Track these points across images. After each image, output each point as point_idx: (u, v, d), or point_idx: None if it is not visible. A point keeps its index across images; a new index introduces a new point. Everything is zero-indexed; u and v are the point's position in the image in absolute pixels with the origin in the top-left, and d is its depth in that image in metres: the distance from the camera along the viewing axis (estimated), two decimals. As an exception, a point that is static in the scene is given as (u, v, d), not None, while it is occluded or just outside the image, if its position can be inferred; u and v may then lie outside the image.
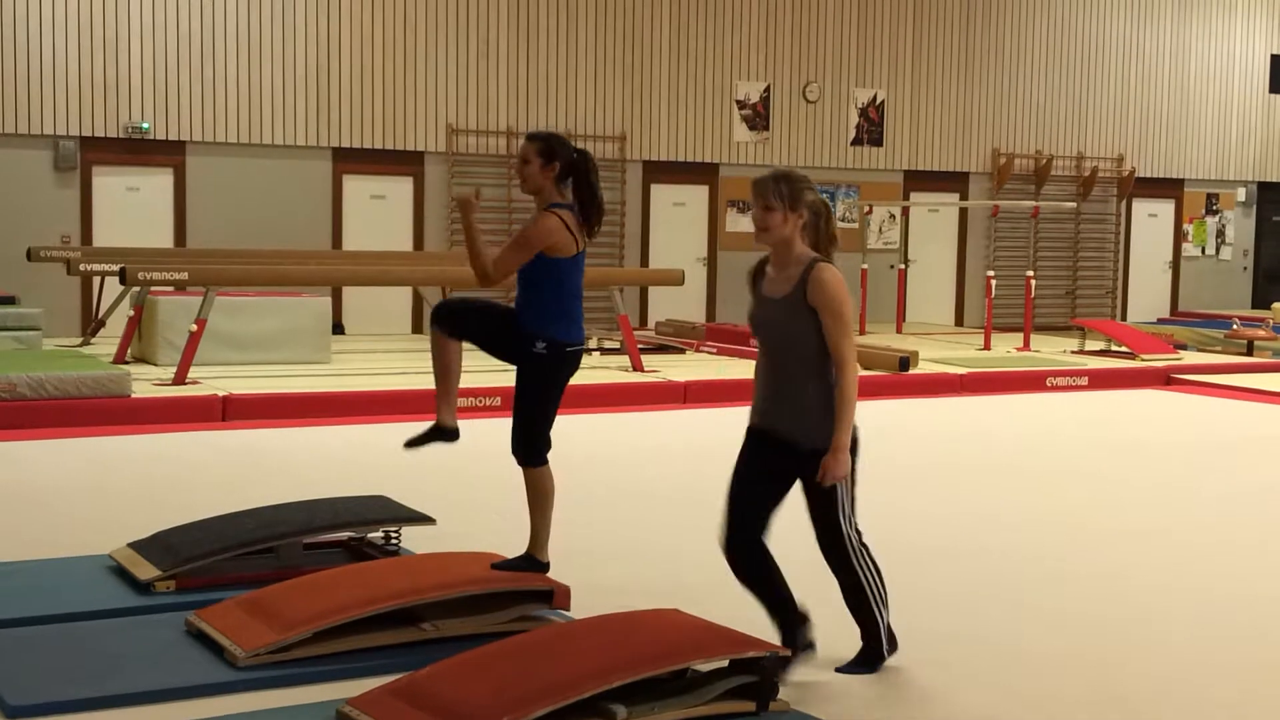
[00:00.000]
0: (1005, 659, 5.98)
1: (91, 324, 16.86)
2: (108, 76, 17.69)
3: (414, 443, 6.44)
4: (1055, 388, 16.05)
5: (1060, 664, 5.90)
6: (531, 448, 6.21)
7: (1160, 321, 22.50)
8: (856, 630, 5.67)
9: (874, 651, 5.66)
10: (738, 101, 21.25)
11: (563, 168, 6.20)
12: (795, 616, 5.55)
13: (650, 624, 5.34)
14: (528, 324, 6.15)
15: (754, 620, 5.55)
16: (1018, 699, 5.47)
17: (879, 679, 5.60)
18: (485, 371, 9.85)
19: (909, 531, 8.33)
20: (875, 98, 22.26)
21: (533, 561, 6.22)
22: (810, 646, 5.56)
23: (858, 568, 5.57)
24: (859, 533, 5.61)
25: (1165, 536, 8.57)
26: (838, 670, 5.58)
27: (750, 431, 5.61)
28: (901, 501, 9.17)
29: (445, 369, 6.35)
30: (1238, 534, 8.71)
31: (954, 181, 23.13)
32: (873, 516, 8.61)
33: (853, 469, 5.47)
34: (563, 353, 6.16)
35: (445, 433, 6.34)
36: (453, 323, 6.28)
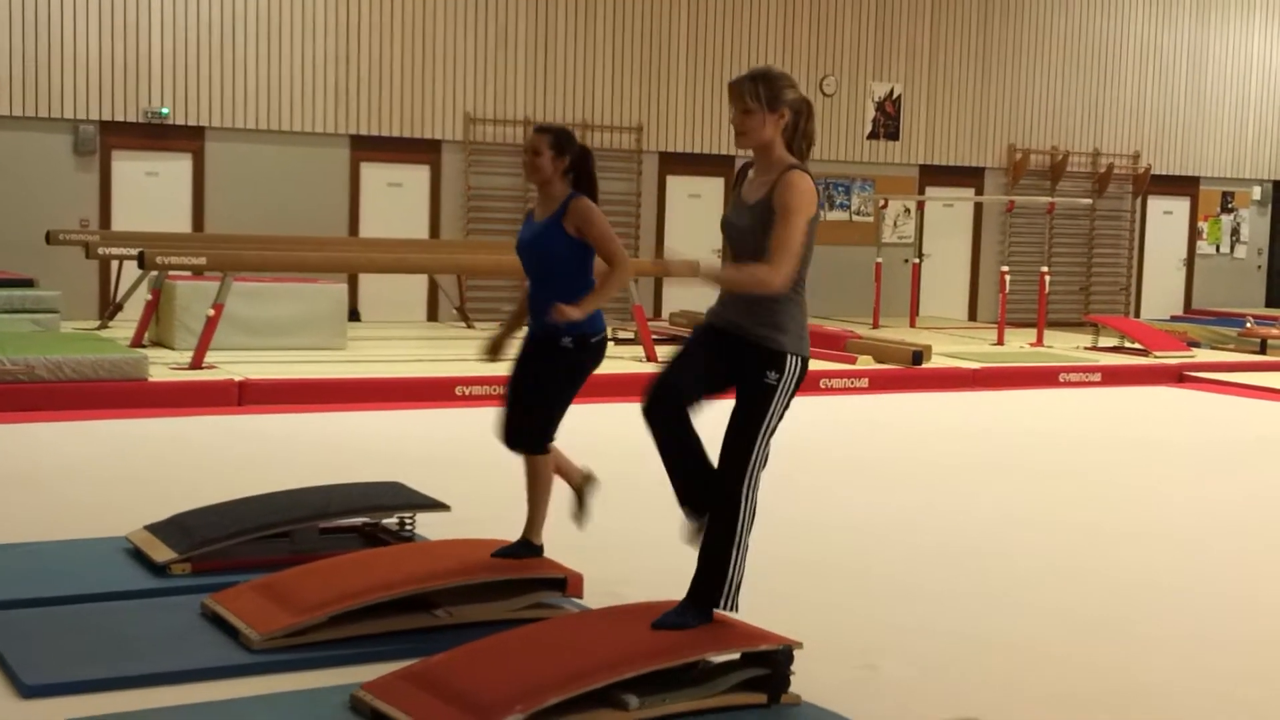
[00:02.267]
0: (1013, 657, 6.00)
1: (109, 307, 16.93)
2: (128, 61, 17.75)
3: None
4: (1068, 384, 16.05)
5: (1066, 664, 5.91)
6: (544, 437, 6.25)
7: (1174, 319, 22.49)
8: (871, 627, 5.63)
9: (706, 598, 5.23)
10: (755, 94, 21.21)
11: (571, 161, 6.28)
12: (710, 491, 5.23)
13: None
14: (558, 327, 6.18)
15: (766, 614, 5.58)
16: (1022, 699, 5.49)
17: (890, 674, 5.61)
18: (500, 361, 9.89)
19: (917, 527, 8.37)
20: (892, 92, 22.26)
21: (529, 546, 6.27)
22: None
23: (742, 498, 5.15)
24: (763, 465, 5.22)
25: (1175, 536, 8.58)
26: (654, 625, 5.17)
27: (705, 324, 5.39)
28: (910, 497, 9.20)
29: (542, 486, 6.36)
30: (1248, 534, 8.71)
31: (969, 176, 23.13)
32: (881, 512, 8.67)
33: (787, 399, 5.18)
34: (588, 344, 6.20)
35: (533, 549, 6.36)
36: (532, 440, 6.27)
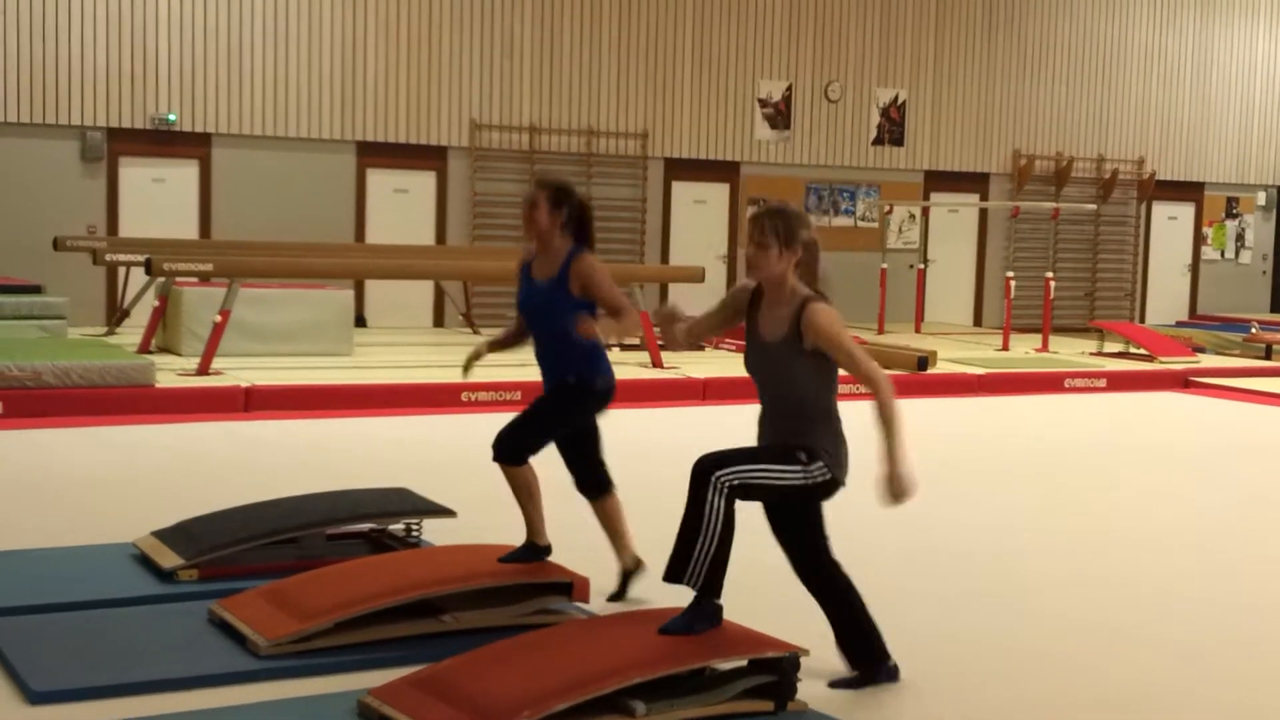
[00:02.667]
0: (1019, 662, 6.01)
1: (116, 314, 16.95)
2: (135, 68, 17.78)
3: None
4: (1073, 389, 16.06)
5: (1071, 668, 5.92)
6: (520, 448, 6.29)
7: (1179, 324, 22.47)
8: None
9: (871, 670, 5.56)
10: (760, 100, 21.28)
11: (569, 215, 6.31)
12: (876, 647, 5.60)
13: (669, 621, 5.37)
14: (559, 368, 6.30)
15: (773, 620, 5.59)
16: (1028, 704, 5.50)
17: (897, 681, 5.61)
18: (505, 366, 9.91)
19: (922, 532, 8.36)
20: (897, 98, 22.28)
21: (535, 549, 6.29)
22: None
23: (708, 505, 5.20)
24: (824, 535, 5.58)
25: (1180, 541, 8.59)
26: (661, 630, 5.28)
27: None
28: (914, 502, 9.18)
29: (525, 493, 6.40)
30: (1254, 539, 8.71)
31: (974, 182, 23.13)
32: (886, 517, 8.66)
33: (801, 492, 5.38)
34: (592, 388, 6.30)
35: (539, 550, 6.39)
36: (511, 451, 6.34)
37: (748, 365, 5.56)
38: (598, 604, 6.14)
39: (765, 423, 5.50)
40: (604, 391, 6.35)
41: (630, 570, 6.61)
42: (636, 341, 16.20)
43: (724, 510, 5.16)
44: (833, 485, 5.41)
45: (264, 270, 14.57)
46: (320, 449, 10.82)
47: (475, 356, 6.69)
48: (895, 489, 5.24)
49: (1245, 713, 5.51)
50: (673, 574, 5.24)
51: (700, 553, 5.18)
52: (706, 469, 5.18)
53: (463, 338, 17.35)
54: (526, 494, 6.31)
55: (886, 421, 5.20)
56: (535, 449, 6.32)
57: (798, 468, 5.30)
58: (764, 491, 5.31)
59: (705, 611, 5.25)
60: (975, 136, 23.01)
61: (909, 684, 5.58)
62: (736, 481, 5.18)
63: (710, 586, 5.23)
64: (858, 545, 8.02)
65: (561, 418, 6.35)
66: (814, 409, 5.36)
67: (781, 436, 5.38)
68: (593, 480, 6.50)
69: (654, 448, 10.93)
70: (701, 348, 16.95)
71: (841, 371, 5.37)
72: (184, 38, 17.97)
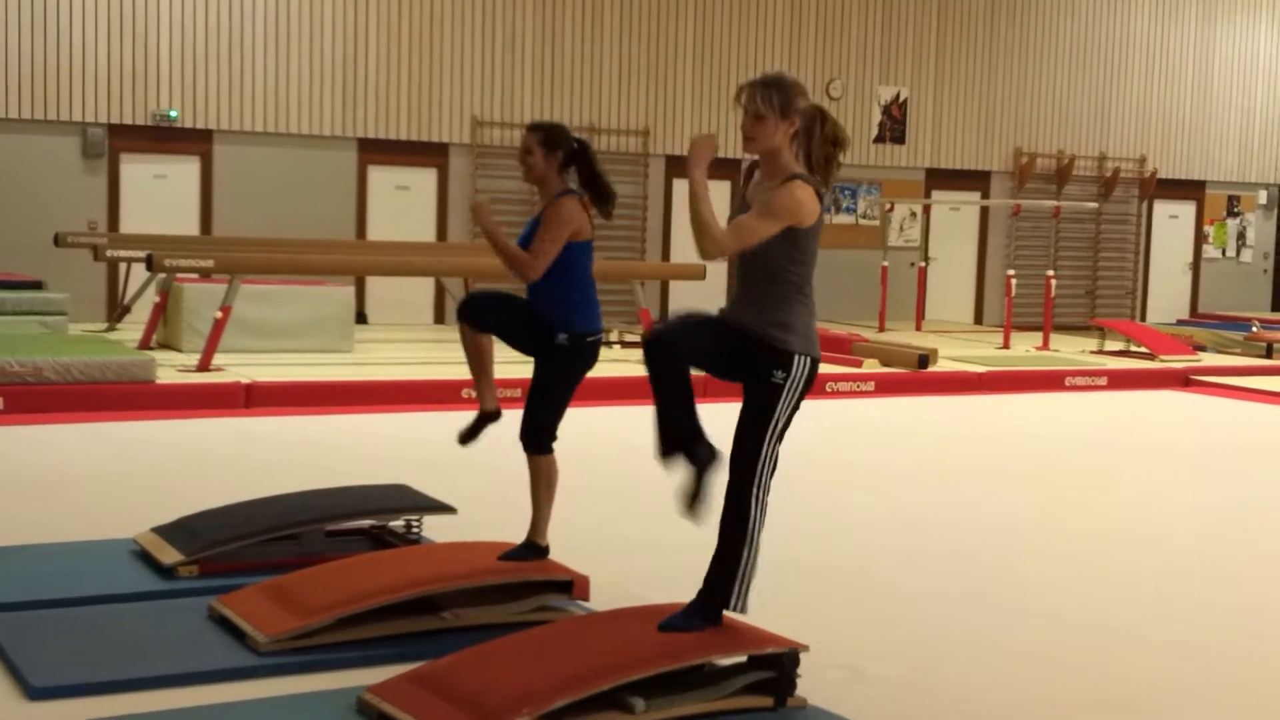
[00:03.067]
0: (1018, 661, 6.01)
1: (117, 310, 16.96)
2: (136, 64, 17.78)
3: (466, 436, 6.49)
4: (1074, 387, 16.06)
5: (1070, 669, 5.92)
6: (544, 437, 6.27)
7: (1180, 323, 22.47)
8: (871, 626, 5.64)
9: (718, 597, 5.24)
10: (761, 97, 21.24)
11: (565, 156, 6.27)
12: (698, 435, 5.29)
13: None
14: (548, 315, 6.22)
15: (772, 617, 5.59)
16: (1027, 704, 5.50)
17: (896, 678, 5.62)
18: (504, 364, 9.89)
19: (922, 531, 8.38)
20: (898, 95, 22.28)
21: (535, 548, 6.28)
22: (714, 454, 5.28)
23: (753, 499, 5.15)
24: (773, 469, 5.23)
25: (1180, 540, 8.59)
26: (661, 626, 5.18)
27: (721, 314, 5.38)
28: (915, 500, 9.21)
29: (478, 358, 6.41)
30: (1255, 539, 8.71)
31: (976, 180, 23.14)
32: (887, 515, 8.69)
33: (795, 399, 5.18)
34: (583, 344, 6.22)
35: (490, 416, 6.39)
36: (477, 316, 6.34)
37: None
38: (598, 602, 6.14)
39: (738, 294, 5.29)
40: (594, 344, 6.29)
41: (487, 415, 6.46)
42: (638, 339, 16.20)
43: (762, 515, 5.16)
44: (815, 365, 5.22)
45: (265, 267, 14.58)
46: (321, 445, 10.83)
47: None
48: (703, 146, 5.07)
49: (1246, 713, 5.52)
50: (717, 598, 5.18)
51: (745, 570, 5.16)
52: (742, 478, 5.12)
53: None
54: (546, 487, 6.28)
55: (705, 215, 4.99)
56: (556, 424, 6.28)
57: (789, 392, 5.15)
58: (785, 428, 5.20)
59: (709, 610, 5.24)
60: (977, 134, 23.01)
61: (910, 681, 5.59)
62: (771, 464, 5.14)
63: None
64: (858, 544, 8.05)
65: (565, 382, 6.28)
66: (785, 283, 5.17)
67: (754, 313, 5.18)
68: (538, 434, 6.32)
69: (652, 445, 10.94)
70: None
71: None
72: (185, 34, 17.98)
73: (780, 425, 5.20)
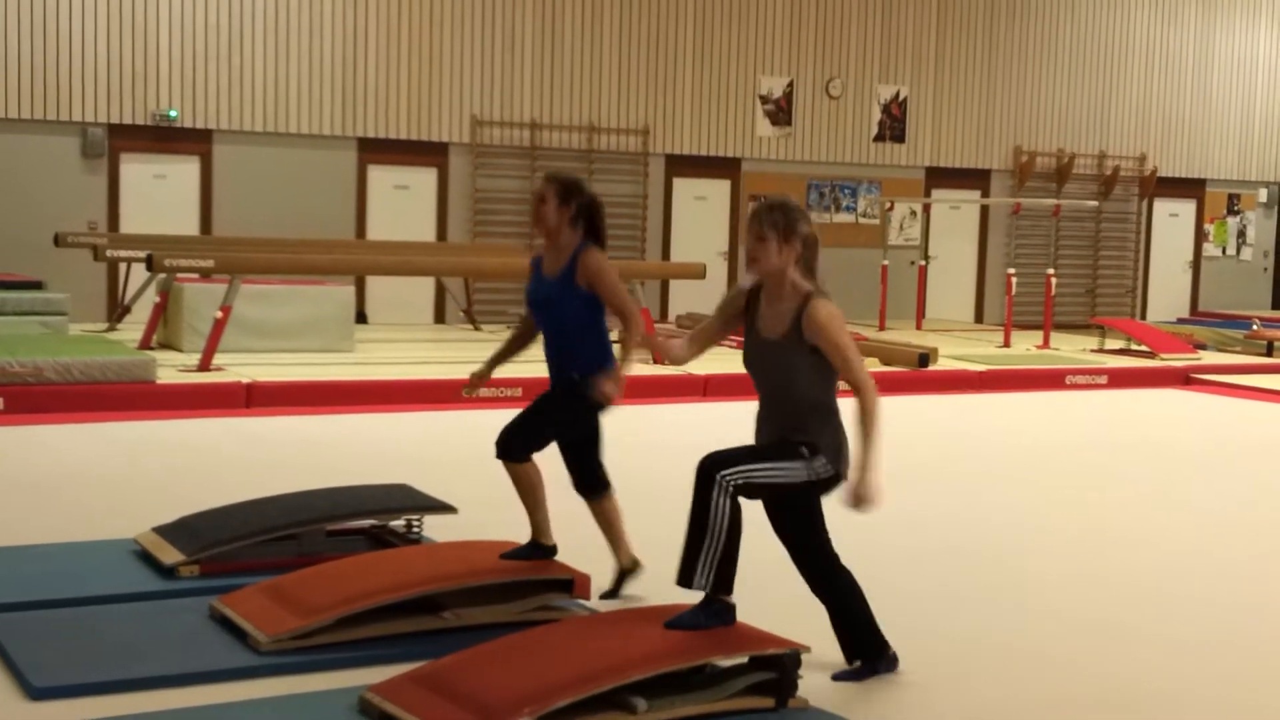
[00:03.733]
0: (1018, 660, 6.01)
1: (117, 310, 16.96)
2: (136, 64, 17.79)
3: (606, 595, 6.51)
4: (1074, 386, 16.06)
5: (1071, 667, 5.92)
6: (525, 447, 6.29)
7: (1180, 321, 22.48)
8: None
9: (872, 662, 5.59)
10: (761, 96, 21.28)
11: (577, 209, 6.31)
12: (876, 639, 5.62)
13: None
14: (571, 365, 6.29)
15: (774, 617, 5.60)
16: (1028, 703, 5.50)
17: (896, 678, 5.60)
18: (508, 363, 9.87)
19: (922, 530, 8.38)
20: (898, 94, 22.28)
21: (540, 548, 6.29)
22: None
23: (713, 504, 5.21)
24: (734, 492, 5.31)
25: (1181, 539, 8.59)
26: (667, 624, 5.30)
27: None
28: (915, 499, 9.20)
29: (529, 491, 6.37)
30: (1256, 537, 8.71)
31: (976, 179, 23.14)
32: (886, 514, 8.65)
33: (804, 488, 5.39)
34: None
35: (545, 550, 6.37)
36: (508, 444, 6.32)
37: (746, 362, 5.56)
38: (598, 601, 6.14)
39: (764, 419, 5.50)
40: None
41: (627, 570, 6.58)
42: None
43: (729, 509, 5.17)
44: (834, 480, 5.41)
45: (265, 266, 14.59)
46: (321, 445, 10.83)
47: (480, 378, 6.62)
48: (865, 494, 5.30)
49: (1246, 712, 5.51)
50: (683, 578, 5.24)
51: (708, 554, 5.19)
52: (710, 469, 5.18)
53: (463, 334, 17.35)
54: (530, 492, 6.30)
55: (867, 428, 5.25)
56: (539, 446, 6.32)
57: (800, 464, 5.31)
58: (768, 489, 5.32)
59: (715, 609, 5.26)
60: (976, 133, 23.01)
61: (910, 681, 5.58)
62: (740, 480, 5.19)
63: (720, 585, 5.24)
64: (857, 543, 8.03)
65: (566, 417, 6.34)
66: (814, 404, 5.36)
67: (782, 433, 5.38)
68: (591, 481, 6.49)
69: (655, 445, 10.94)
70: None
71: None
72: (185, 34, 17.98)
73: (770, 480, 5.31)
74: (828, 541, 5.57)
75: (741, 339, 5.59)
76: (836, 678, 5.52)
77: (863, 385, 5.28)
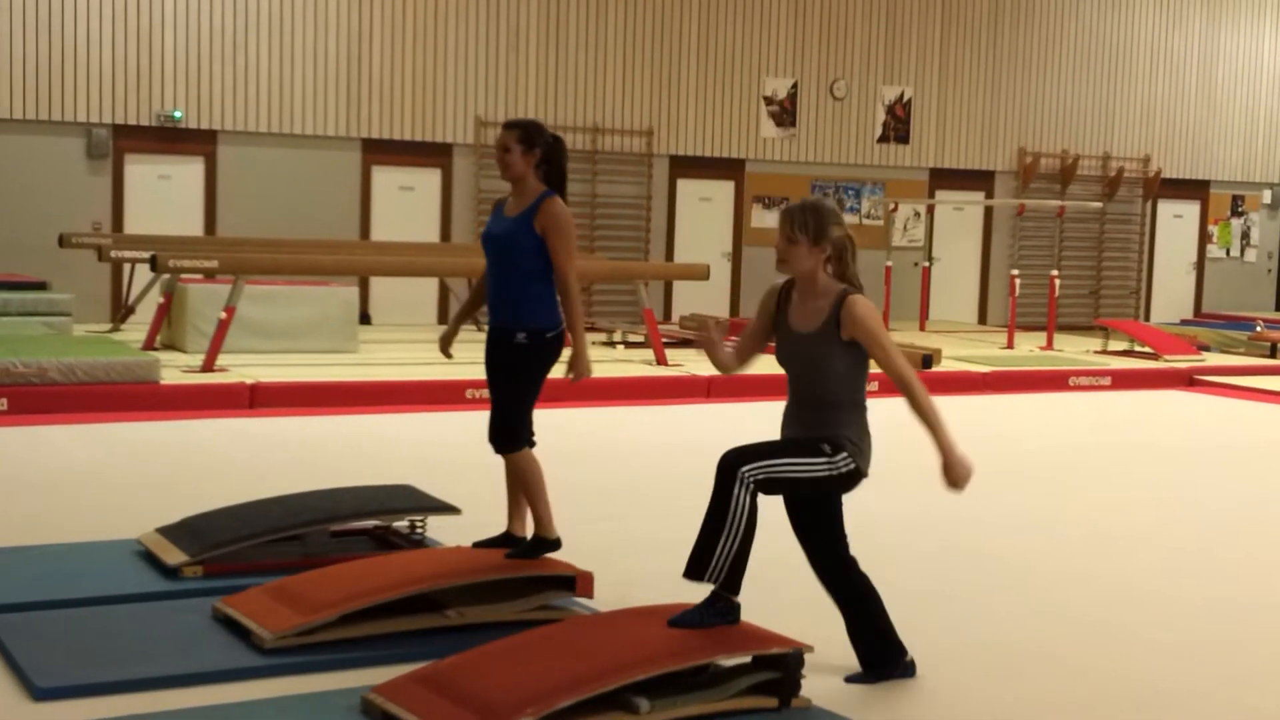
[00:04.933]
0: (1022, 661, 6.01)
1: (121, 310, 16.97)
2: (140, 65, 17.80)
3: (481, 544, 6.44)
4: (1078, 387, 16.06)
5: (1074, 668, 5.92)
6: (516, 436, 6.26)
7: (1184, 323, 22.47)
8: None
9: (887, 666, 5.57)
10: (765, 98, 21.28)
11: (542, 154, 6.27)
12: (893, 644, 5.60)
13: (673, 617, 5.37)
14: (507, 315, 6.22)
15: (777, 616, 5.60)
16: (1032, 700, 5.50)
17: (901, 679, 5.59)
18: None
19: (926, 530, 8.38)
20: (902, 95, 22.27)
21: (543, 543, 6.27)
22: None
23: (734, 499, 5.19)
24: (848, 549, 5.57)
25: (1185, 540, 8.58)
26: (671, 621, 5.27)
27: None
28: (918, 500, 9.20)
29: (531, 484, 6.35)
30: (1259, 538, 8.70)
31: (980, 180, 23.13)
32: (890, 515, 8.68)
33: (828, 481, 5.36)
34: (543, 340, 6.21)
35: (548, 543, 6.35)
36: (509, 438, 6.29)
37: (780, 358, 5.54)
38: (601, 599, 6.15)
39: (792, 415, 5.48)
40: (555, 340, 6.25)
41: (515, 538, 6.38)
42: (641, 339, 16.20)
43: (749, 506, 5.15)
44: (856, 476, 5.40)
45: (269, 267, 14.59)
46: (325, 446, 10.83)
47: (449, 338, 6.66)
48: (955, 475, 5.29)
49: (1250, 712, 5.51)
50: (694, 570, 5.21)
51: (723, 550, 5.16)
52: (732, 464, 5.15)
53: (467, 335, 17.28)
54: (530, 482, 6.25)
55: (926, 417, 5.30)
56: (524, 422, 6.26)
57: (822, 460, 5.29)
58: (790, 485, 5.29)
59: (720, 608, 5.25)
60: (980, 134, 23.01)
61: (914, 681, 5.58)
62: (762, 476, 5.17)
63: (729, 583, 5.22)
64: (862, 544, 8.04)
65: (528, 382, 6.25)
66: (845, 401, 5.38)
67: (808, 429, 5.37)
68: (503, 431, 6.31)
69: (659, 446, 10.94)
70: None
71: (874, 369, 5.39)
72: (190, 35, 17.99)
73: (792, 476, 5.29)
74: (844, 541, 5.57)
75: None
76: (850, 680, 5.52)
77: (904, 376, 5.31)
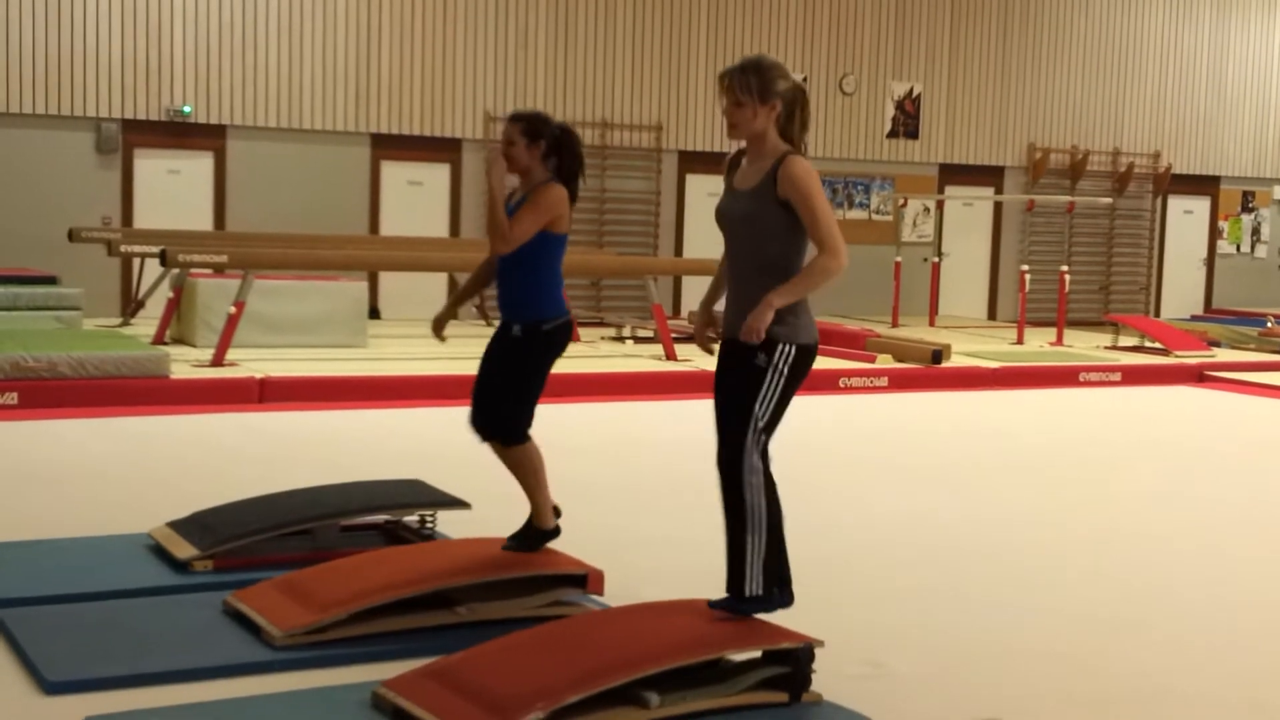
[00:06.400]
0: (1032, 657, 6.00)
1: (131, 305, 17.00)
2: (150, 60, 17.81)
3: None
4: (1088, 383, 16.04)
5: (1084, 665, 5.90)
6: (515, 428, 6.23)
7: (1194, 318, 22.45)
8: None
9: (735, 589, 5.24)
10: (775, 92, 21.23)
11: (548, 146, 6.22)
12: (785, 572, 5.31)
13: (683, 613, 5.37)
14: (508, 305, 6.20)
15: (787, 613, 5.59)
16: (1041, 700, 5.49)
17: (910, 673, 5.61)
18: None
19: (936, 526, 8.37)
20: (912, 90, 22.25)
21: (541, 534, 6.26)
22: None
23: (746, 490, 5.11)
24: (764, 458, 5.19)
25: (1194, 536, 8.56)
26: (711, 604, 5.22)
27: (722, 343, 5.38)
28: (928, 496, 9.20)
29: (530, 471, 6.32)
30: (1269, 535, 8.69)
31: (989, 175, 23.11)
32: (900, 511, 8.68)
33: (779, 383, 5.14)
34: (539, 333, 6.16)
35: (545, 533, 6.33)
36: (506, 431, 6.25)
37: (717, 214, 5.36)
38: (611, 595, 6.15)
39: (732, 297, 5.27)
40: (553, 332, 6.19)
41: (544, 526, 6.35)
42: (651, 334, 16.20)
43: (763, 491, 5.11)
44: (805, 352, 5.18)
45: (278, 262, 14.61)
46: (334, 440, 10.84)
47: (442, 321, 6.50)
48: (756, 316, 5.03)
49: (1258, 709, 5.50)
50: (734, 589, 5.17)
51: (753, 554, 5.13)
52: (731, 461, 5.11)
53: (476, 330, 17.32)
54: (528, 472, 6.21)
55: (804, 275, 5.06)
56: (522, 415, 6.21)
57: (770, 373, 5.11)
58: (776, 413, 5.15)
59: (764, 600, 5.21)
60: (990, 130, 22.99)
61: (919, 679, 5.57)
62: (761, 440, 5.10)
63: (771, 579, 5.17)
64: (869, 541, 8.04)
65: (522, 376, 6.20)
66: (781, 269, 5.16)
67: (744, 306, 5.16)
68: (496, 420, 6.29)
69: (668, 441, 10.93)
70: (715, 339, 16.89)
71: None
72: (199, 30, 18.01)
73: (765, 410, 5.14)
74: (762, 435, 5.18)
75: None
76: (714, 605, 5.25)
77: (825, 243, 5.05)
